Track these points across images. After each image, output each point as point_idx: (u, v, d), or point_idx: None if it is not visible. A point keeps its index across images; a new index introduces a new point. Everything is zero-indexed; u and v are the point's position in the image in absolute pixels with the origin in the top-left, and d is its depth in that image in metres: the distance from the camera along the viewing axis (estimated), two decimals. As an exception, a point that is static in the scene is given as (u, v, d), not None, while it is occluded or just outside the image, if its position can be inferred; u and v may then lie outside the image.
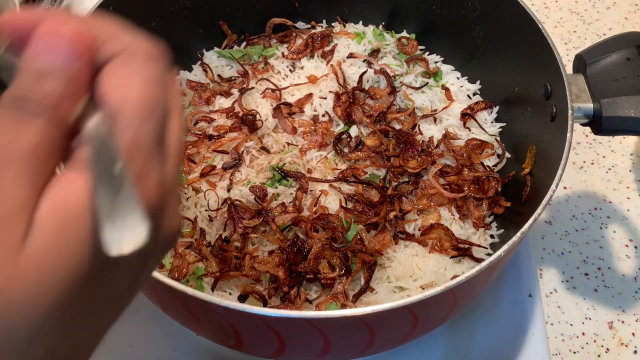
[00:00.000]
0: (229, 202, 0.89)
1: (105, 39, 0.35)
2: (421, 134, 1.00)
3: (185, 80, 1.06)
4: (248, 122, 0.98)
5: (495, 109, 1.03)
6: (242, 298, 0.82)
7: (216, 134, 0.98)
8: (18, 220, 0.30)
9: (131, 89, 0.33)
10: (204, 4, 1.07)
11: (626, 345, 0.95)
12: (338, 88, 1.03)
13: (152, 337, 0.91)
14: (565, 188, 1.13)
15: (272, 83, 1.04)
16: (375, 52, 1.08)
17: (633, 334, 0.97)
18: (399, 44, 1.11)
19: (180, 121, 0.38)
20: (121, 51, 0.35)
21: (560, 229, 1.08)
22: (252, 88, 1.04)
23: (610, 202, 1.11)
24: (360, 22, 1.16)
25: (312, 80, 1.04)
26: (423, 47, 1.12)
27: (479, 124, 1.01)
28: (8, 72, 0.34)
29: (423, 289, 0.84)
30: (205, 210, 0.91)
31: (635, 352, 0.95)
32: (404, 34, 1.14)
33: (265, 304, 0.81)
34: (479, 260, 0.87)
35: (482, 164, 0.97)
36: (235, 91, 1.04)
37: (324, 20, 1.16)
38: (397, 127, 0.99)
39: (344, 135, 0.98)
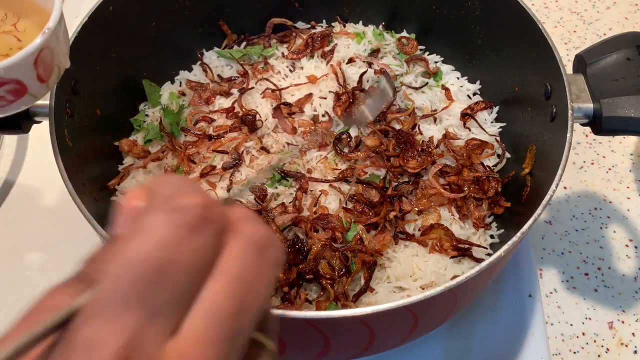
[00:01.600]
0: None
1: (228, 223, 0.35)
2: (421, 134, 1.00)
3: (185, 80, 1.06)
4: (248, 122, 0.98)
5: (495, 109, 1.03)
6: (242, 298, 0.82)
7: (216, 134, 0.98)
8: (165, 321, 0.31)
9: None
10: (204, 4, 1.07)
11: (626, 346, 0.95)
12: (338, 88, 1.03)
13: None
14: (565, 188, 1.13)
15: (272, 83, 1.03)
16: (375, 52, 1.08)
17: (633, 334, 0.96)
18: (399, 44, 1.11)
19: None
20: (242, 244, 0.34)
21: (560, 229, 1.08)
22: (252, 88, 1.04)
23: (610, 202, 1.11)
24: (360, 22, 1.15)
25: (312, 80, 1.04)
26: (423, 47, 1.12)
27: (479, 124, 1.01)
28: None
29: (423, 289, 0.84)
30: (205, 210, 0.91)
31: (635, 352, 0.95)
32: (404, 34, 1.14)
33: (265, 304, 0.81)
34: (479, 261, 0.87)
35: (482, 164, 0.97)
36: (235, 91, 1.04)
37: (324, 20, 1.16)
38: (397, 127, 0.99)
39: (344, 135, 0.97)
